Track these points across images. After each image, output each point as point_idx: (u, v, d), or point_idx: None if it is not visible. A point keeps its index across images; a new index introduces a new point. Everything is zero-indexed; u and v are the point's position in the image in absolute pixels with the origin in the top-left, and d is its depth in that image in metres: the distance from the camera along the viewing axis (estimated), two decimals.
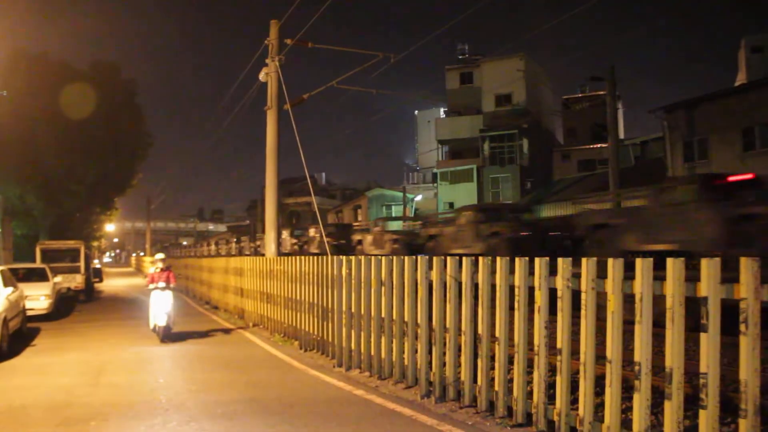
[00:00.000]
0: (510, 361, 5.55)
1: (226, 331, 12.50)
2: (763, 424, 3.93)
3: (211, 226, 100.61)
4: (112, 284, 33.44)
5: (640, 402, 4.26)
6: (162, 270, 11.23)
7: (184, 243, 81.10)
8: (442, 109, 55.34)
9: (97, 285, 29.45)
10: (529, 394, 5.26)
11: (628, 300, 4.47)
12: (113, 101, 28.05)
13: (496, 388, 5.56)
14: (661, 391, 4.31)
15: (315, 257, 9.32)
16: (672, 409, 4.08)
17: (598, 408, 4.78)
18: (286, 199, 53.92)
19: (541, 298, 5.13)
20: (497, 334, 5.59)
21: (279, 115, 13.96)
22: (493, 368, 5.69)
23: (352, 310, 7.89)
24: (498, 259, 5.65)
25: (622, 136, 36.99)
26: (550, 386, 5.17)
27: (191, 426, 5.66)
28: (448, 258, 6.24)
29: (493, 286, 5.68)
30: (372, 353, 7.45)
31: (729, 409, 5.00)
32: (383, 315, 7.23)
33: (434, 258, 6.49)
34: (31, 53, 26.64)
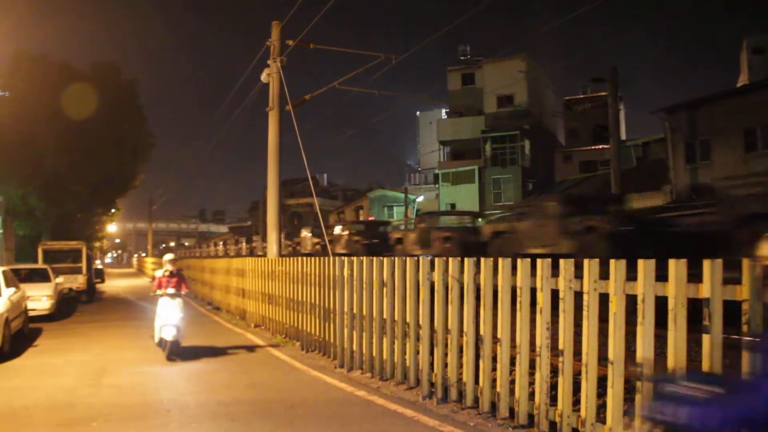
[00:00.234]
0: (512, 362, 5.55)
1: (228, 332, 12.51)
2: None
3: (212, 227, 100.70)
4: (113, 285, 33.47)
5: (643, 403, 4.25)
6: (171, 273, 9.57)
7: (185, 243, 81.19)
8: (443, 110, 55.33)
9: (98, 286, 29.50)
10: (531, 395, 5.26)
11: (631, 301, 4.46)
12: (115, 102, 28.07)
13: (498, 389, 5.55)
14: None
15: (318, 258, 9.32)
16: None
17: (601, 409, 4.77)
18: (287, 200, 53.89)
19: (543, 300, 5.13)
20: (499, 335, 5.59)
21: (281, 116, 13.96)
22: (495, 369, 5.69)
23: (354, 311, 7.89)
24: (500, 260, 5.64)
25: (623, 137, 36.92)
26: (553, 387, 5.17)
27: (192, 427, 5.66)
28: (450, 259, 6.23)
29: (496, 287, 5.68)
30: (374, 354, 7.44)
31: None
32: (385, 316, 7.23)
33: (436, 259, 6.48)
34: (32, 54, 26.65)
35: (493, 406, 5.65)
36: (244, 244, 43.77)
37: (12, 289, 11.42)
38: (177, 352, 9.10)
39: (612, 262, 4.53)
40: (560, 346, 4.96)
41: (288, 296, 10.58)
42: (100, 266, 38.61)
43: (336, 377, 7.61)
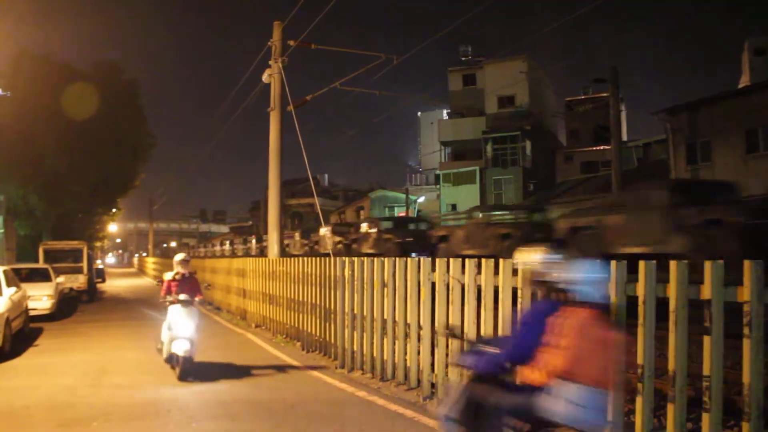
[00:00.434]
0: None
1: (228, 333, 12.51)
2: (767, 427, 3.92)
3: (213, 227, 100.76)
4: (114, 285, 33.49)
5: (643, 404, 4.25)
6: (183, 277, 8.26)
7: (189, 243, 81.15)
8: (444, 111, 55.31)
9: (99, 285, 29.52)
10: None
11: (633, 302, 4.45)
12: (115, 102, 28.07)
13: None
14: (664, 393, 4.31)
15: (319, 258, 9.31)
16: (675, 412, 4.07)
17: None
18: (288, 200, 53.90)
19: None
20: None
21: (282, 116, 13.97)
22: None
23: (355, 311, 7.89)
24: (501, 260, 5.64)
25: (624, 138, 36.90)
26: None
27: (193, 427, 5.67)
28: (451, 259, 6.23)
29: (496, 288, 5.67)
30: (374, 355, 7.44)
31: (732, 412, 4.98)
32: (386, 316, 7.23)
33: (437, 259, 6.48)
34: (34, 54, 26.68)
35: None
36: (253, 242, 40.67)
37: (13, 289, 11.42)
38: (191, 370, 7.66)
39: (613, 263, 4.51)
40: None
41: (289, 296, 10.58)
42: (100, 266, 38.63)
43: (336, 378, 7.61)
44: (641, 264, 4.32)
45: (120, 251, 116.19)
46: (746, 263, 3.79)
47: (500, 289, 5.58)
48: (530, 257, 3.50)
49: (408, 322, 6.81)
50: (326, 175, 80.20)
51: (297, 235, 33.02)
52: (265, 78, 14.11)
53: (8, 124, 23.47)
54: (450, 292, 6.14)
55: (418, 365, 6.63)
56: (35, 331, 12.91)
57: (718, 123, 22.33)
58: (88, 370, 8.49)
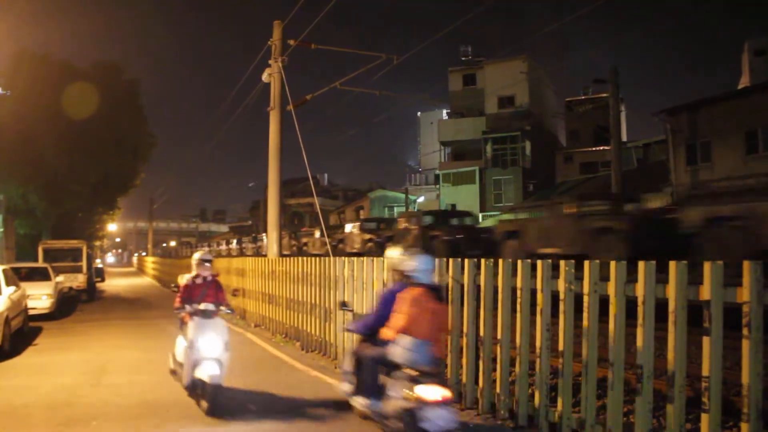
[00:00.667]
0: (512, 363, 5.55)
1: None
2: (766, 428, 3.92)
3: (213, 227, 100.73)
4: (114, 284, 33.48)
5: (642, 405, 4.25)
6: (205, 281, 6.72)
7: (190, 243, 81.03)
8: (444, 111, 55.32)
9: (99, 285, 29.51)
10: (531, 397, 5.26)
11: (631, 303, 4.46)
12: (115, 101, 28.05)
13: (498, 390, 5.55)
14: (663, 394, 4.31)
15: (318, 258, 9.31)
16: (674, 412, 4.07)
17: (600, 410, 4.77)
18: (288, 200, 53.91)
19: (543, 301, 5.13)
20: (499, 336, 5.59)
21: (282, 115, 13.96)
22: (494, 370, 5.69)
23: (355, 311, 7.88)
24: (500, 261, 5.64)
25: (624, 138, 36.91)
26: (552, 388, 5.17)
27: (192, 426, 5.66)
28: (451, 260, 6.22)
29: (495, 288, 5.68)
30: None
31: (731, 413, 4.99)
32: None
33: (436, 260, 6.47)
34: (33, 53, 26.67)
35: (493, 407, 5.65)
36: (264, 240, 35.17)
37: (12, 288, 11.42)
38: (221, 403, 6.06)
39: (612, 264, 4.53)
40: (560, 348, 4.96)
41: (288, 296, 10.58)
42: (100, 265, 38.61)
43: (336, 377, 7.58)
44: (641, 265, 4.33)
45: (119, 250, 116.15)
46: (746, 264, 3.79)
47: (499, 290, 5.58)
48: (392, 253, 5.16)
49: None
50: (326, 175, 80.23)
51: (317, 233, 29.46)
52: (265, 77, 14.11)
53: (8, 123, 23.46)
54: (449, 292, 6.13)
55: None
56: (34, 330, 12.91)
57: (718, 124, 22.33)
58: (87, 369, 8.49)
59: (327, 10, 13.26)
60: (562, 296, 4.96)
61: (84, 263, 21.52)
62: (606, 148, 31.66)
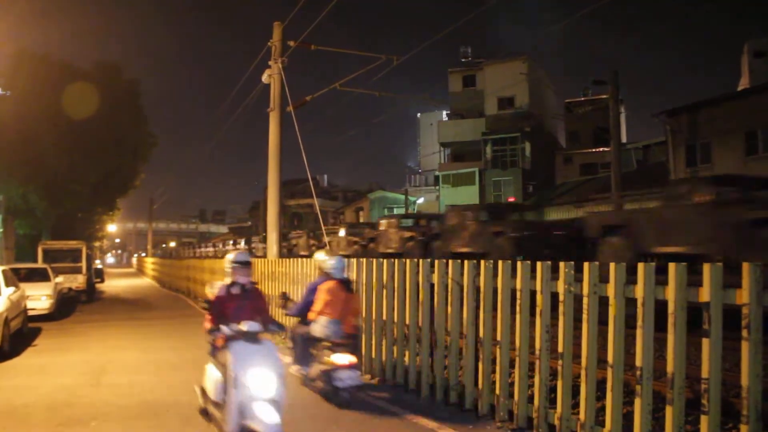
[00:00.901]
0: (511, 364, 5.55)
1: None
2: (765, 430, 3.92)
3: (212, 228, 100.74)
4: (113, 285, 33.46)
5: (642, 407, 4.25)
6: (243, 290, 5.23)
7: (192, 243, 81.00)
8: (444, 112, 55.33)
9: (98, 285, 29.49)
10: (530, 398, 5.25)
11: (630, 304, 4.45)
12: (115, 101, 28.03)
13: (497, 391, 5.55)
14: (663, 395, 4.31)
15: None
16: (673, 414, 4.07)
17: (600, 412, 4.77)
18: (287, 201, 53.88)
19: (542, 302, 5.13)
20: (498, 338, 5.59)
21: (282, 116, 13.96)
22: (494, 372, 5.69)
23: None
24: (500, 262, 5.64)
25: (624, 139, 36.95)
26: (551, 390, 5.17)
27: (192, 426, 5.66)
28: (450, 261, 6.23)
29: (495, 290, 5.68)
30: (373, 356, 7.44)
31: (731, 415, 4.99)
32: (384, 318, 7.23)
33: (436, 261, 6.49)
34: (34, 53, 26.66)
35: (492, 409, 5.65)
36: (304, 239, 31.94)
37: (11, 289, 11.41)
38: None
39: (612, 265, 4.53)
40: (559, 349, 4.96)
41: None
42: (99, 266, 38.61)
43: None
44: (640, 266, 4.33)
45: (119, 251, 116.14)
46: (745, 265, 3.79)
47: (499, 291, 5.58)
48: (320, 256, 7.11)
49: (407, 323, 6.81)
50: (325, 176, 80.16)
51: (342, 230, 26.39)
52: (264, 78, 14.11)
53: (8, 123, 23.45)
54: (449, 293, 6.14)
55: (417, 366, 6.64)
56: (34, 331, 12.90)
57: (717, 125, 22.35)
58: (87, 369, 8.49)
59: (327, 11, 13.27)
60: (561, 298, 4.96)
61: (83, 264, 21.51)
62: (606, 149, 31.67)
